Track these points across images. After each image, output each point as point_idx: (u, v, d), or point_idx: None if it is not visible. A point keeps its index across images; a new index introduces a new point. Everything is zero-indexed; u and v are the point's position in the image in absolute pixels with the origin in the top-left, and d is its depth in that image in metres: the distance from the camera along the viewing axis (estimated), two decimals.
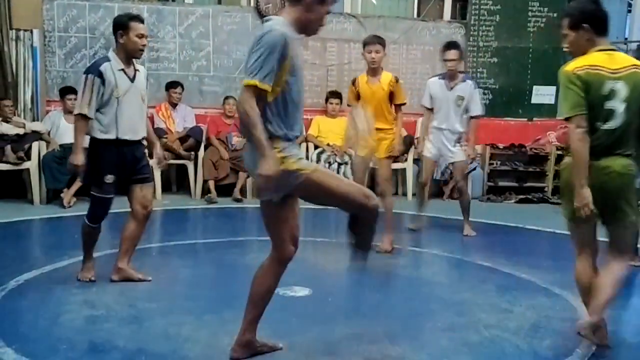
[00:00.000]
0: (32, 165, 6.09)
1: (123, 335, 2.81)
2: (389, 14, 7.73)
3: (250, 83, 2.23)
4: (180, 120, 6.87)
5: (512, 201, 7.42)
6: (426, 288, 3.81)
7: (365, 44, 4.47)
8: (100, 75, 3.32)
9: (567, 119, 2.64)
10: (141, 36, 3.41)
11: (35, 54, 6.59)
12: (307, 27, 2.38)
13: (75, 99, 6.20)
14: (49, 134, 6.33)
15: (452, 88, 5.08)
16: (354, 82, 4.64)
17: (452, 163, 5.32)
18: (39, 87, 6.66)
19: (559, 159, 7.47)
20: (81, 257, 3.63)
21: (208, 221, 6.14)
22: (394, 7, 8.00)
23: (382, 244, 4.47)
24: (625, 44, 7.75)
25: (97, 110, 3.35)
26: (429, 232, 5.50)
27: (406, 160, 7.03)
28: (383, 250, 4.46)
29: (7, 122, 6.10)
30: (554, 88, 7.79)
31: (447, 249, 4.79)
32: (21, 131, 6.11)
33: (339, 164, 6.75)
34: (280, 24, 2.30)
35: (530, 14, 7.72)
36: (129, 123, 3.43)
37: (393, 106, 4.54)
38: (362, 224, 2.48)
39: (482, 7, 7.67)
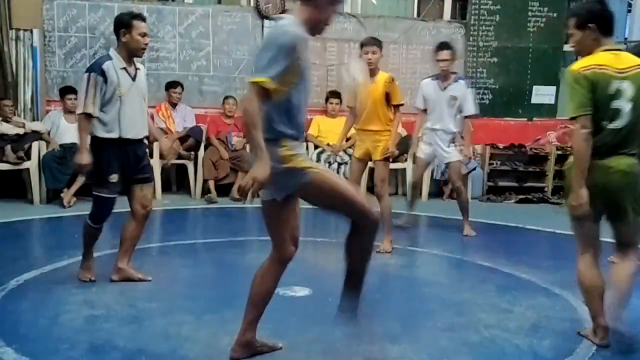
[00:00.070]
0: (32, 165, 6.09)
1: (123, 335, 2.81)
2: (388, 14, 7.74)
3: (257, 81, 2.21)
4: (180, 120, 6.87)
5: (512, 201, 7.41)
6: (426, 288, 3.81)
7: (362, 45, 4.48)
8: (103, 73, 3.30)
9: (572, 119, 2.65)
10: (143, 35, 3.41)
11: (35, 53, 6.59)
12: (317, 27, 2.38)
13: (75, 99, 6.30)
14: (49, 133, 6.33)
15: (445, 88, 5.09)
16: None
17: (448, 163, 5.32)
18: (39, 87, 6.65)
19: (559, 159, 7.49)
20: (81, 257, 3.63)
21: (208, 221, 6.14)
22: (393, 7, 8.01)
23: (382, 244, 4.48)
24: (625, 43, 7.75)
25: (99, 109, 3.34)
26: (429, 232, 5.51)
27: (406, 160, 7.03)
28: (383, 250, 4.48)
29: (7, 121, 6.10)
30: (553, 88, 7.81)
31: (447, 249, 4.79)
32: (21, 131, 6.12)
33: (339, 164, 6.75)
34: (293, 24, 2.29)
35: (530, 13, 7.72)
36: (131, 122, 3.42)
37: (392, 107, 4.54)
38: (362, 233, 2.43)
39: (482, 7, 7.67)
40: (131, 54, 3.42)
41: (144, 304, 3.27)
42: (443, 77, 5.10)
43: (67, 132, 6.32)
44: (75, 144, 6.18)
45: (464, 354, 2.74)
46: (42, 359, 2.56)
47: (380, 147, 4.49)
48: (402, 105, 4.57)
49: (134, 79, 3.45)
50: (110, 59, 3.37)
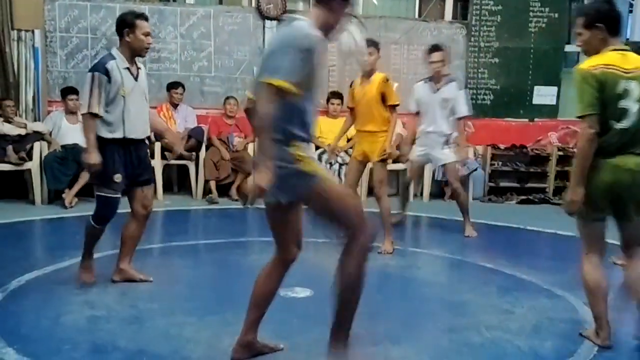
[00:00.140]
0: (33, 165, 6.09)
1: (124, 335, 2.81)
2: (390, 15, 7.73)
3: (276, 83, 2.16)
4: (182, 120, 6.87)
5: (513, 202, 7.40)
6: (427, 289, 3.81)
7: None
8: (107, 73, 3.28)
9: (579, 117, 2.67)
10: (147, 34, 3.40)
11: (36, 54, 6.60)
12: (330, 30, 2.36)
13: (77, 100, 6.31)
14: (50, 134, 6.33)
15: (437, 90, 5.09)
16: (351, 85, 4.76)
17: (444, 165, 5.33)
18: (41, 88, 6.66)
19: (560, 159, 7.48)
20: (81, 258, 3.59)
21: (209, 222, 6.13)
22: (395, 8, 8.01)
23: (383, 245, 4.48)
24: (627, 44, 7.75)
25: (103, 109, 3.33)
26: (430, 233, 5.50)
27: (407, 161, 7.02)
28: (385, 251, 4.48)
29: (9, 122, 6.11)
30: (555, 89, 7.80)
31: (448, 249, 4.79)
32: (23, 131, 6.12)
33: (340, 165, 6.75)
34: (312, 27, 2.26)
35: (531, 14, 7.71)
36: (135, 122, 3.41)
37: (389, 108, 4.53)
38: (354, 253, 2.31)
39: (483, 7, 7.67)
40: (134, 53, 3.41)
41: (146, 304, 3.27)
42: (435, 79, 5.11)
43: (69, 132, 6.34)
44: (76, 144, 6.24)
45: (465, 355, 2.74)
46: (43, 359, 2.56)
47: (377, 148, 4.49)
48: (398, 105, 4.56)
49: (136, 78, 3.44)
50: (114, 58, 3.35)
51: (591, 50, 2.76)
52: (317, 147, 6.97)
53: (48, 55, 6.81)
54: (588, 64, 2.68)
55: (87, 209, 3.51)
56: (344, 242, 2.33)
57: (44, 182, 6.13)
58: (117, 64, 3.34)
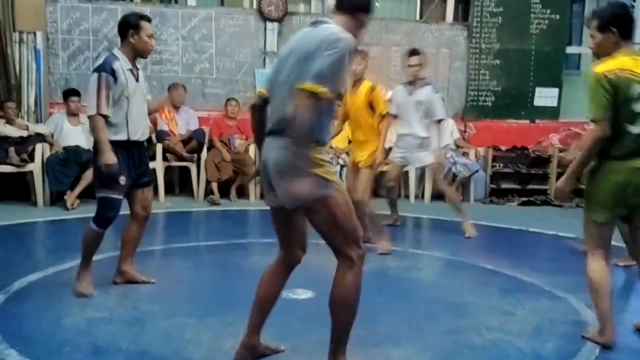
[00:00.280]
0: (35, 167, 6.10)
1: (126, 337, 2.82)
2: (391, 16, 7.74)
3: (318, 90, 2.11)
4: (183, 122, 6.88)
5: (515, 203, 7.41)
6: (428, 290, 3.81)
7: None
8: (113, 73, 3.25)
9: (592, 121, 2.70)
10: (150, 36, 3.40)
11: (38, 56, 6.62)
12: (354, 37, 2.33)
13: (79, 101, 6.32)
14: (52, 136, 6.35)
15: (412, 93, 5.12)
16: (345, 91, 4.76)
17: (425, 167, 5.34)
18: (42, 89, 6.68)
19: (561, 161, 7.48)
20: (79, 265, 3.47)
21: (211, 223, 6.14)
22: (396, 9, 8.01)
23: (380, 245, 4.50)
24: None
25: None
26: (431, 235, 5.51)
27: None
28: (383, 251, 4.48)
29: (11, 124, 6.12)
30: (556, 90, 7.81)
31: (449, 251, 4.79)
32: (25, 133, 6.14)
33: (342, 166, 6.75)
34: (343, 32, 2.24)
35: (532, 16, 7.72)
36: (137, 123, 3.41)
37: (378, 116, 4.56)
38: (347, 270, 2.26)
39: (484, 9, 7.68)
40: (137, 55, 3.40)
41: (147, 306, 3.27)
42: (413, 82, 5.14)
43: (70, 134, 6.35)
44: (78, 146, 6.26)
45: (467, 357, 2.74)
46: None
47: (365, 155, 4.55)
48: (387, 114, 4.59)
49: (137, 79, 3.44)
50: (117, 59, 3.32)
51: (602, 53, 2.78)
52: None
53: (50, 57, 6.82)
54: (602, 67, 2.70)
55: (89, 211, 3.50)
56: (338, 260, 2.30)
57: (45, 184, 6.14)
58: (121, 65, 3.31)
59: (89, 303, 3.26)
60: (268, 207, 2.44)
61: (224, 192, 6.76)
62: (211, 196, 6.62)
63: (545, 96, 7.80)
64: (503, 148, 7.66)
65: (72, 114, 6.40)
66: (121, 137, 3.34)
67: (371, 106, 4.52)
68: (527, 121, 7.88)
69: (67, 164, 6.10)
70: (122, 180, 3.34)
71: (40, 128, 6.31)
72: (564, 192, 2.84)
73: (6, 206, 6.01)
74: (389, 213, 5.66)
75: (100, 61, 3.33)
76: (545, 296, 3.65)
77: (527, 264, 4.39)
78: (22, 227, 5.33)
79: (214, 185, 6.70)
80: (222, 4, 7.80)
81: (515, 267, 4.24)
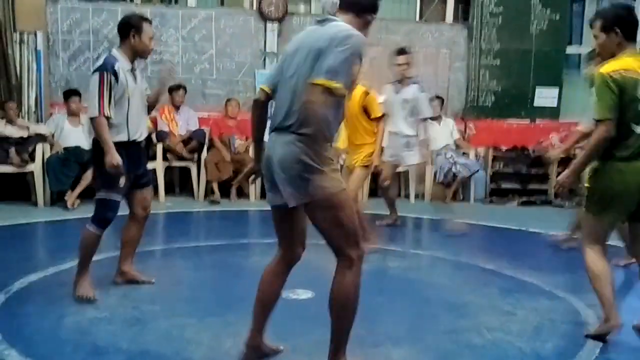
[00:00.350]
0: (36, 167, 6.11)
1: (126, 337, 2.82)
2: (391, 17, 7.73)
3: (333, 86, 2.12)
4: (184, 122, 6.89)
5: (515, 204, 7.41)
6: (428, 290, 3.80)
7: None
8: (115, 73, 3.24)
9: (598, 121, 2.71)
10: (151, 38, 3.40)
11: (39, 56, 6.62)
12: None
13: (79, 102, 6.32)
14: (52, 136, 6.35)
15: (398, 92, 5.15)
16: None
17: (412, 165, 5.39)
18: (43, 90, 6.69)
19: (561, 161, 7.46)
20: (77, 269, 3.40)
21: (211, 223, 6.15)
22: (396, 10, 8.00)
23: (368, 243, 4.51)
24: None
25: None
26: (431, 235, 5.51)
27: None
28: (372, 247, 4.43)
29: (11, 124, 6.13)
30: (556, 90, 7.80)
31: (449, 251, 4.79)
32: (25, 133, 6.14)
33: (341, 166, 6.76)
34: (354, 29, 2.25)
35: (532, 16, 7.71)
36: (137, 124, 3.40)
37: (374, 120, 4.59)
38: (346, 271, 2.26)
39: (484, 9, 7.67)
40: (137, 55, 3.39)
41: (147, 306, 3.27)
42: (400, 81, 5.17)
43: (71, 134, 6.35)
44: (78, 146, 6.26)
45: (467, 357, 2.74)
46: None
47: (360, 157, 4.59)
48: (381, 117, 4.60)
49: (136, 80, 3.44)
50: (117, 59, 3.31)
51: (606, 54, 2.80)
52: None
53: (50, 58, 6.83)
54: (608, 68, 2.71)
55: (90, 211, 3.48)
56: (337, 260, 2.29)
57: (46, 184, 6.14)
58: (122, 65, 3.30)
59: (89, 303, 3.26)
60: (268, 208, 2.45)
61: (224, 192, 6.76)
62: (212, 196, 6.62)
63: (545, 96, 7.80)
64: (503, 148, 7.65)
65: (72, 114, 6.41)
66: (122, 137, 3.33)
67: (365, 110, 4.55)
68: (527, 121, 7.87)
69: (68, 164, 6.10)
70: (123, 181, 3.34)
71: (41, 128, 6.31)
72: (565, 187, 2.87)
73: (6, 206, 6.02)
74: (388, 213, 5.67)
75: (100, 61, 3.32)
76: (545, 296, 3.65)
77: (527, 264, 4.39)
78: (23, 227, 5.33)
79: (215, 185, 6.71)
80: (222, 4, 7.80)
81: (516, 267, 4.25)
